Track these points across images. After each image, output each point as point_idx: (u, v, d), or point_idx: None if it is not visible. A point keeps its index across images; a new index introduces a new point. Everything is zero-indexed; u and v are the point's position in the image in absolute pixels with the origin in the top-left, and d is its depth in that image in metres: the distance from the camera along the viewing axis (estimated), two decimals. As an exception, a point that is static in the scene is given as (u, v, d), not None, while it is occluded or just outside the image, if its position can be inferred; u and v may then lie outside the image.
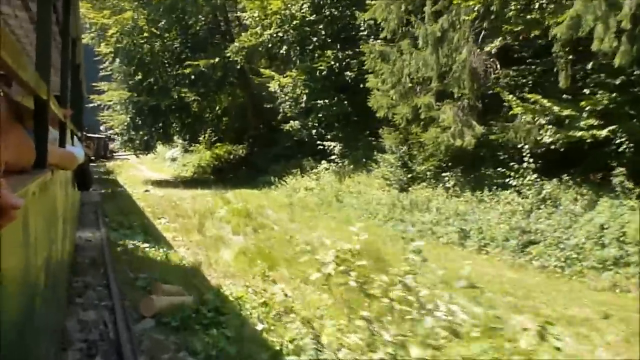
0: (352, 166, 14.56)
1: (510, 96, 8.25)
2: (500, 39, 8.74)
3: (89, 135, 36.91)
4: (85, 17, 19.48)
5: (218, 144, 26.57)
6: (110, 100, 19.79)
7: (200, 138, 23.83)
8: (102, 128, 21.33)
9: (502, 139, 9.16)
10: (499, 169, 9.36)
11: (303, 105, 15.57)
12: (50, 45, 1.98)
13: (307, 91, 14.45)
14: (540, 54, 9.66)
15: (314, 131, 15.74)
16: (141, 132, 19.35)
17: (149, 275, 5.42)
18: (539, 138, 8.33)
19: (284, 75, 14.90)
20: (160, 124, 19.56)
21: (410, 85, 10.38)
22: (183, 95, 18.22)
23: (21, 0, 4.18)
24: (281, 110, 16.76)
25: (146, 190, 15.58)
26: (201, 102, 19.42)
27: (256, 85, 21.80)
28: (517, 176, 8.18)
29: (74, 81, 4.48)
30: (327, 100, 14.99)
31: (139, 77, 19.36)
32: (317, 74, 14.46)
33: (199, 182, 20.91)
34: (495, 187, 8.95)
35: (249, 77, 21.28)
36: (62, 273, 3.09)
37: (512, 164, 8.20)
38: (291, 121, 16.23)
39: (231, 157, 26.47)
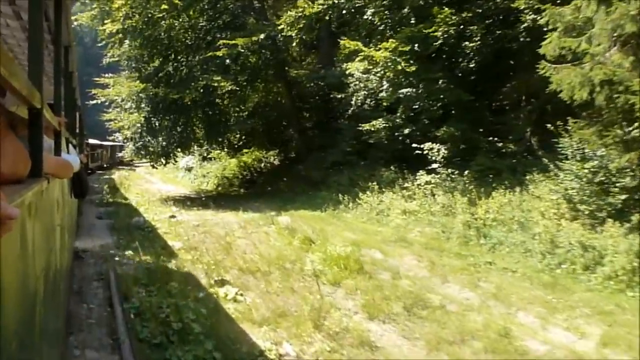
0: (467, 179, 10.01)
1: None
2: None
3: (101, 143, 33.10)
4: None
5: (245, 150, 22.07)
6: (117, 96, 15.16)
7: (223, 143, 19.21)
8: (117, 135, 16.62)
9: None
10: None
11: (389, 92, 11.02)
12: (42, 53, 1.91)
13: (412, 69, 9.81)
14: None
15: (406, 130, 11.16)
16: (160, 136, 14.66)
17: None
18: None
19: (376, 48, 10.23)
20: (181, 125, 14.88)
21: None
22: (215, 85, 13.60)
23: (12, 8, 4.04)
24: (353, 102, 12.22)
25: (172, 216, 10.98)
26: (238, 94, 14.85)
27: (294, 76, 17.38)
28: None
29: (67, 89, 4.34)
30: (428, 85, 10.43)
31: (155, 63, 14.81)
32: (424, 46, 9.85)
33: (230, 198, 16.39)
34: None
35: (285, 65, 16.77)
36: (62, 282, 2.99)
37: None
38: (375, 120, 11.62)
39: (262, 165, 22.01)
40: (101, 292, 4.91)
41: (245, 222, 10.64)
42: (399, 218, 10.24)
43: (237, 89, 14.17)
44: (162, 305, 4.45)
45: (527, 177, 8.71)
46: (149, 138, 14.72)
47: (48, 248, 1.96)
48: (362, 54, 10.37)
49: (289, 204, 13.35)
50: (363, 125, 11.70)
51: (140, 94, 14.17)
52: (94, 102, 15.57)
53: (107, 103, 16.26)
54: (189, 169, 26.61)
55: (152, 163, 17.03)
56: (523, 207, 8.26)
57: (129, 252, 6.78)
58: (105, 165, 33.13)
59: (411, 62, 9.92)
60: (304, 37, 14.57)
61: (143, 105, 14.37)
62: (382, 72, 10.41)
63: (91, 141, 29.06)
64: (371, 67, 10.55)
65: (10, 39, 4.89)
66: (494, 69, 10.43)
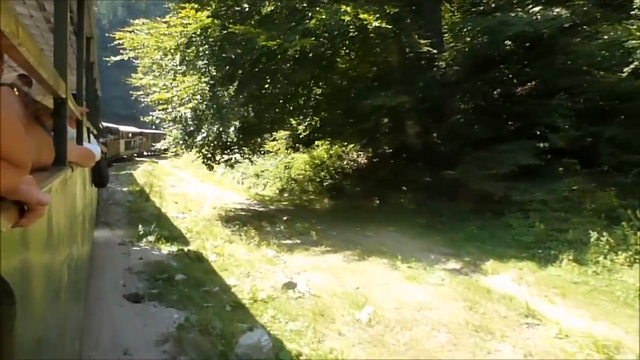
0: None
1: None
2: None
3: (141, 130, 29.89)
4: None
5: (318, 142, 16.04)
6: (159, 45, 9.00)
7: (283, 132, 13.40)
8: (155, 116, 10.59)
9: None
10: None
11: None
12: (67, 44, 1.90)
13: None
14: None
15: None
16: (236, 118, 8.31)
17: None
18: None
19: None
20: (270, 96, 8.64)
21: None
22: (348, 20, 7.27)
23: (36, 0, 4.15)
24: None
25: (289, 285, 5.07)
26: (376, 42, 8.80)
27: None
28: None
29: (88, 79, 4.42)
30: None
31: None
32: None
33: (322, 217, 10.58)
34: None
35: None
36: (83, 269, 2.95)
37: None
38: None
39: (344, 164, 16.04)
40: None
41: (461, 304, 4.70)
42: None
43: (390, 27, 7.82)
44: None
45: None
46: (217, 121, 8.47)
47: (71, 235, 1.94)
48: None
49: (464, 240, 7.54)
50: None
51: (205, 39, 8.01)
52: (120, 57, 9.67)
53: (136, 62, 10.35)
54: (232, 165, 20.77)
55: (207, 161, 11.07)
56: None
57: None
58: (146, 153, 34.08)
59: None
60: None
61: (206, 63, 8.28)
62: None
63: (126, 129, 25.91)
64: None
65: (34, 29, 4.98)
66: None
